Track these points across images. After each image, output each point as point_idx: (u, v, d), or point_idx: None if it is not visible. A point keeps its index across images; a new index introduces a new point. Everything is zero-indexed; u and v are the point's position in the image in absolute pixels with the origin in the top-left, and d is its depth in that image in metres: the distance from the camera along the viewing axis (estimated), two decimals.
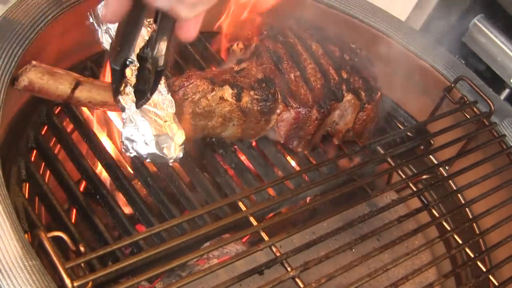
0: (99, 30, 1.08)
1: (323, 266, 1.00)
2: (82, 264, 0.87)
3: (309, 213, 1.24)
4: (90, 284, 0.84)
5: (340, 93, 1.24)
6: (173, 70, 1.31)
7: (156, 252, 0.91)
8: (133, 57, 0.95)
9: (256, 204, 1.09)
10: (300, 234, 1.06)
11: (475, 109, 1.38)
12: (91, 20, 1.07)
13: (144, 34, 1.09)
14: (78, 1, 1.15)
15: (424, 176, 1.38)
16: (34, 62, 0.96)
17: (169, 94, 1.07)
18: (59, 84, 0.98)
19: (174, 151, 1.03)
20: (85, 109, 1.18)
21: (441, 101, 1.43)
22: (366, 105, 1.27)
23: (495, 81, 1.69)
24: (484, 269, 1.13)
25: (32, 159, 1.11)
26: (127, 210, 1.09)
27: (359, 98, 1.26)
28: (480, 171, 1.25)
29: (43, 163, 1.15)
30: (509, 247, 1.19)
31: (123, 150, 1.02)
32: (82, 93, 1.00)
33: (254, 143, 1.25)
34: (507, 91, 1.72)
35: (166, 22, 0.83)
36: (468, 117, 1.36)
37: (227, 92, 1.12)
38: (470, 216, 1.37)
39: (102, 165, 1.12)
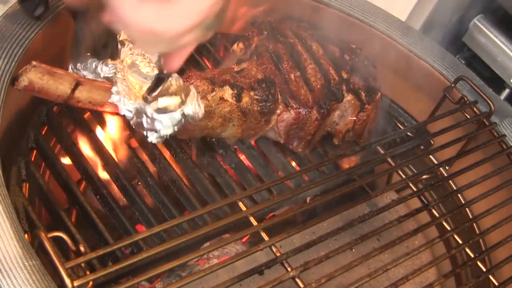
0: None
1: (323, 266, 1.00)
2: (82, 264, 0.87)
3: (309, 213, 1.23)
4: (90, 284, 0.84)
5: (340, 93, 1.24)
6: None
7: (156, 252, 0.91)
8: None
9: (256, 204, 1.09)
10: (300, 234, 1.06)
11: (475, 109, 1.38)
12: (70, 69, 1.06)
13: None
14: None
15: (424, 176, 1.38)
16: (34, 62, 0.95)
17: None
18: (59, 85, 0.97)
19: (194, 107, 1.01)
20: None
21: (441, 101, 1.43)
22: (366, 106, 1.27)
23: (495, 81, 1.70)
24: (484, 269, 1.13)
25: (32, 159, 1.11)
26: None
27: (359, 99, 1.26)
28: (480, 171, 1.25)
29: (43, 163, 1.15)
30: (509, 247, 1.19)
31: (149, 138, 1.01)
32: (82, 94, 1.00)
33: (254, 143, 1.25)
34: (507, 91, 1.72)
35: None
36: (468, 117, 1.36)
37: (227, 93, 1.12)
38: (470, 216, 1.37)
39: (102, 165, 1.12)
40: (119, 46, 1.05)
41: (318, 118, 1.21)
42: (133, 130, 1.09)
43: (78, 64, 1.03)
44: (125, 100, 0.97)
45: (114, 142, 1.20)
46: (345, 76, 1.26)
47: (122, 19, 0.66)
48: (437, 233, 1.34)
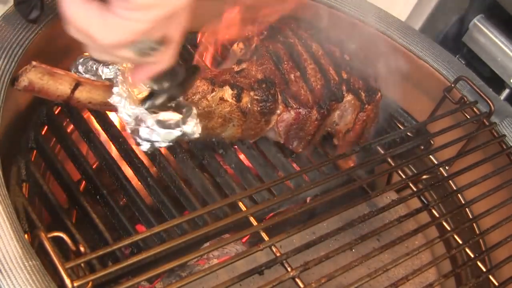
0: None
1: (323, 266, 1.00)
2: (82, 264, 0.87)
3: (309, 213, 1.24)
4: (90, 284, 0.84)
5: (340, 93, 1.24)
6: (184, 63, 1.31)
7: (156, 252, 0.91)
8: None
9: (256, 204, 1.09)
10: (300, 234, 1.06)
11: (475, 109, 1.38)
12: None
13: None
14: None
15: (424, 176, 1.38)
16: (34, 63, 0.96)
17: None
18: (59, 85, 0.97)
19: (192, 127, 1.01)
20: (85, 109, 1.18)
21: (441, 101, 1.43)
22: (366, 106, 1.27)
23: (495, 81, 1.69)
24: (484, 269, 1.13)
25: (32, 159, 1.11)
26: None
27: (359, 99, 1.26)
28: (480, 171, 1.25)
29: (43, 163, 1.15)
30: (509, 247, 1.19)
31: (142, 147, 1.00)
32: (82, 94, 1.00)
33: (254, 143, 1.25)
34: (507, 91, 1.72)
35: None
36: (468, 117, 1.36)
37: (227, 93, 1.12)
38: (470, 216, 1.37)
39: (102, 165, 1.12)
40: None
41: (318, 118, 1.21)
42: None
43: (80, 67, 1.03)
44: (126, 104, 0.96)
45: (114, 141, 1.20)
46: (345, 76, 1.26)
47: (64, 12, 0.67)
48: (437, 233, 1.34)
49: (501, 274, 1.19)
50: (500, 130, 1.37)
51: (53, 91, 0.98)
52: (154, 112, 0.97)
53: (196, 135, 1.02)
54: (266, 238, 0.98)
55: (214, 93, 1.11)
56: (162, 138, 0.98)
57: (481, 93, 1.37)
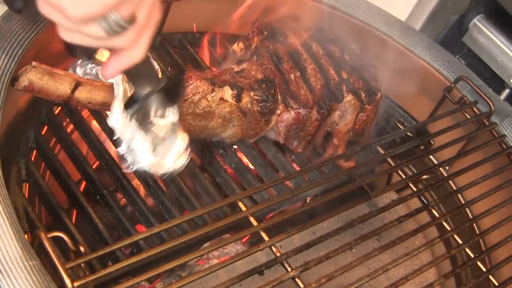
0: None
1: (323, 266, 1.00)
2: (82, 265, 0.87)
3: (309, 213, 1.23)
4: (90, 284, 0.84)
5: (340, 93, 1.24)
6: (172, 70, 1.32)
7: (156, 252, 0.91)
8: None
9: (256, 204, 1.09)
10: (300, 234, 1.06)
11: (475, 109, 1.38)
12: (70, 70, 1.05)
13: None
14: None
15: (424, 176, 1.38)
16: (34, 63, 0.96)
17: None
18: (59, 85, 0.97)
19: (173, 162, 1.01)
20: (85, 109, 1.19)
21: (441, 101, 1.43)
22: (366, 106, 1.27)
23: (495, 81, 1.69)
24: (484, 269, 1.13)
25: (32, 159, 1.11)
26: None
27: (359, 99, 1.26)
28: (480, 171, 1.25)
29: (43, 163, 1.15)
30: (509, 247, 1.19)
31: (123, 166, 1.00)
32: (82, 94, 1.00)
33: (254, 143, 1.25)
34: (507, 91, 1.72)
35: None
36: (468, 117, 1.36)
37: (227, 93, 1.12)
38: (470, 216, 1.37)
39: (102, 165, 1.12)
40: None
41: (318, 118, 1.21)
42: None
43: (78, 68, 1.03)
44: (119, 111, 0.95)
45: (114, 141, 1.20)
46: (345, 76, 1.26)
47: None
48: (437, 233, 1.34)
49: (501, 274, 1.19)
50: (500, 130, 1.37)
51: (53, 91, 0.98)
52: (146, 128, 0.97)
53: (176, 171, 1.02)
54: (266, 238, 0.98)
55: (214, 93, 1.11)
56: (141, 162, 0.98)
57: (481, 93, 1.37)
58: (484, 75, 1.70)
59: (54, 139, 1.19)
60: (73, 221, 1.17)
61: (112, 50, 0.76)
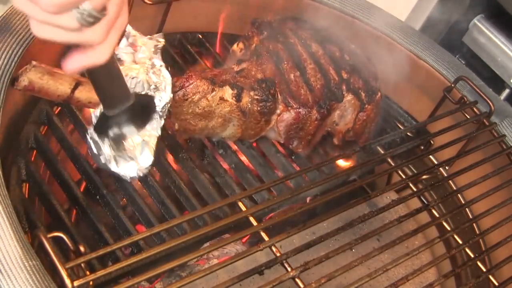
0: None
1: (323, 266, 1.00)
2: (82, 265, 0.87)
3: (309, 213, 1.24)
4: (90, 284, 0.84)
5: (340, 93, 1.24)
6: (172, 70, 1.31)
7: (156, 252, 0.91)
8: None
9: (256, 204, 1.09)
10: (300, 234, 1.06)
11: (475, 109, 1.38)
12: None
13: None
14: None
15: (424, 176, 1.38)
16: (34, 62, 0.96)
17: (162, 119, 1.07)
18: (59, 85, 0.98)
19: (130, 171, 1.04)
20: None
21: (441, 101, 1.43)
22: (366, 106, 1.27)
23: (495, 81, 1.69)
24: (484, 269, 1.13)
25: (32, 159, 1.11)
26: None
27: (359, 99, 1.26)
28: (480, 171, 1.25)
29: (43, 163, 1.14)
30: (509, 247, 1.19)
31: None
32: (82, 94, 1.00)
33: (254, 143, 1.25)
34: (507, 91, 1.72)
35: None
36: (468, 117, 1.36)
37: (227, 93, 1.12)
38: (470, 216, 1.37)
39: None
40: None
41: (318, 118, 1.21)
42: None
43: None
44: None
45: None
46: (345, 76, 1.26)
47: None
48: (437, 233, 1.34)
49: (501, 274, 1.19)
50: (500, 130, 1.37)
51: (53, 91, 0.98)
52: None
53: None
54: (266, 238, 0.98)
55: (214, 93, 1.11)
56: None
57: (481, 93, 1.37)
58: (484, 75, 1.70)
59: (54, 139, 1.19)
60: (73, 221, 1.17)
61: (79, 47, 0.76)
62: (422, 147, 1.43)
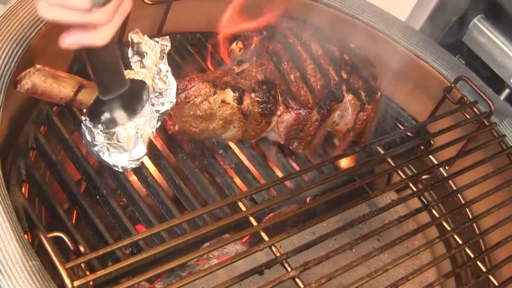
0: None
1: (323, 266, 1.00)
2: (82, 265, 0.87)
3: (309, 213, 1.24)
4: (90, 284, 0.84)
5: (340, 93, 1.24)
6: (173, 70, 1.31)
7: (156, 252, 0.91)
8: None
9: (256, 204, 1.09)
10: (300, 234, 1.06)
11: (475, 109, 1.38)
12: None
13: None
14: None
15: (424, 176, 1.38)
16: (37, 66, 0.96)
17: (159, 122, 1.08)
18: (62, 88, 0.98)
19: (121, 160, 1.04)
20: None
21: (441, 101, 1.43)
22: (366, 106, 1.27)
23: (495, 81, 1.69)
24: (484, 269, 1.13)
25: (32, 159, 1.11)
26: None
27: (359, 99, 1.26)
28: (480, 171, 1.25)
29: (43, 163, 1.15)
30: (509, 247, 1.19)
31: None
32: (85, 96, 1.00)
33: (254, 143, 1.25)
34: (507, 91, 1.72)
35: None
36: (468, 117, 1.36)
37: (229, 95, 1.12)
38: (470, 216, 1.37)
39: (102, 165, 1.12)
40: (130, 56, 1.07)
41: (318, 119, 1.21)
42: None
43: None
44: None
45: None
46: (345, 76, 1.26)
47: None
48: (437, 233, 1.34)
49: (501, 274, 1.19)
50: (500, 130, 1.37)
51: (56, 94, 0.98)
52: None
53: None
54: (266, 238, 0.98)
55: (216, 96, 1.11)
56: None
57: (481, 93, 1.37)
58: (484, 75, 1.70)
59: (54, 139, 1.19)
60: (73, 221, 1.18)
61: (81, 27, 0.76)
62: (422, 147, 1.43)
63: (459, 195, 1.40)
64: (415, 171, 1.47)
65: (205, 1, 1.40)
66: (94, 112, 0.99)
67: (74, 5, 0.72)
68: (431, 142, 1.42)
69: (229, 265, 0.93)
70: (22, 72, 0.96)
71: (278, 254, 0.97)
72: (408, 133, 1.42)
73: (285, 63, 1.22)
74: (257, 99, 1.15)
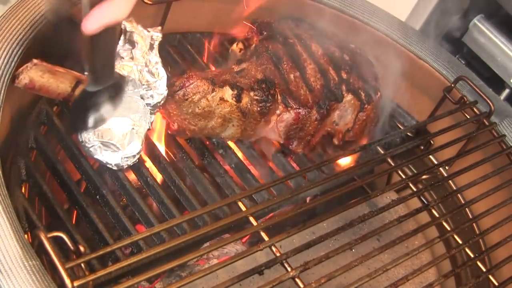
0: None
1: (323, 266, 1.00)
2: (82, 265, 0.87)
3: (309, 213, 1.24)
4: (90, 284, 0.84)
5: (339, 93, 1.24)
6: (173, 70, 1.32)
7: (156, 252, 0.91)
8: None
9: (256, 204, 1.09)
10: (300, 234, 1.06)
11: (475, 109, 1.38)
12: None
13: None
14: (79, 1, 1.15)
15: (424, 176, 1.38)
16: (35, 61, 0.96)
17: (152, 115, 1.09)
18: (59, 83, 0.98)
19: (115, 158, 1.04)
20: None
21: (441, 101, 1.43)
22: (366, 106, 1.27)
23: (495, 81, 1.69)
24: (484, 269, 1.13)
25: (32, 159, 1.11)
26: None
27: (359, 99, 1.26)
28: (480, 171, 1.25)
29: (43, 163, 1.14)
30: (509, 247, 1.19)
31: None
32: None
33: (254, 143, 1.25)
34: (507, 91, 1.72)
35: None
36: (468, 117, 1.36)
37: (227, 93, 1.12)
38: (470, 216, 1.37)
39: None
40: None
41: (318, 118, 1.21)
42: None
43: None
44: None
45: None
46: (344, 76, 1.26)
47: None
48: (437, 233, 1.34)
49: (501, 274, 1.19)
50: (500, 130, 1.37)
51: (54, 89, 0.98)
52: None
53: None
54: (266, 238, 0.98)
55: (214, 93, 1.11)
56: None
57: (481, 93, 1.37)
58: (484, 75, 1.70)
59: (54, 139, 1.19)
60: (73, 221, 1.17)
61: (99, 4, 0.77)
62: (422, 147, 1.43)
63: (459, 195, 1.40)
64: (415, 171, 1.47)
65: (205, 1, 1.40)
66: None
67: None
68: (431, 142, 1.42)
69: (229, 265, 0.93)
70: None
71: (278, 254, 0.97)
72: (408, 133, 1.42)
73: (285, 62, 1.22)
74: (256, 97, 1.15)
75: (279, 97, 1.18)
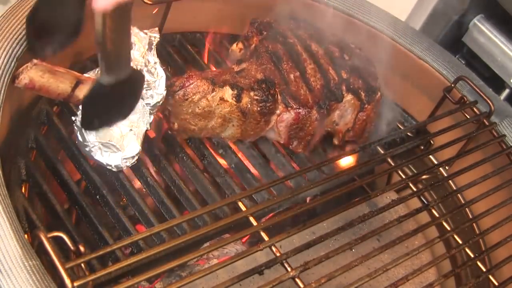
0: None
1: (323, 266, 1.00)
2: (82, 265, 0.87)
3: (309, 213, 1.24)
4: (90, 284, 0.84)
5: (339, 93, 1.24)
6: (173, 70, 1.32)
7: (156, 252, 0.91)
8: None
9: (256, 204, 1.09)
10: (300, 234, 1.06)
11: (475, 109, 1.38)
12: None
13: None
14: None
15: (424, 176, 1.38)
16: (35, 61, 0.96)
17: (151, 116, 1.09)
18: (59, 83, 0.98)
19: (115, 160, 1.04)
20: None
21: (441, 101, 1.43)
22: (366, 105, 1.27)
23: (495, 81, 1.70)
24: (484, 269, 1.13)
25: (32, 159, 1.11)
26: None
27: (359, 98, 1.26)
28: (480, 171, 1.25)
29: (43, 163, 1.15)
30: (509, 247, 1.19)
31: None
32: (82, 92, 1.00)
33: (254, 143, 1.25)
34: (507, 91, 1.72)
35: None
36: (468, 117, 1.36)
37: (227, 93, 1.12)
38: (470, 216, 1.37)
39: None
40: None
41: (318, 118, 1.21)
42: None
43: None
44: None
45: None
46: (344, 76, 1.26)
47: None
48: (437, 233, 1.34)
49: (501, 274, 1.19)
50: (500, 130, 1.37)
51: (53, 89, 0.98)
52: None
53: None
54: (266, 238, 0.98)
55: (214, 93, 1.12)
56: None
57: (481, 93, 1.37)
58: (484, 75, 1.71)
59: (54, 139, 1.19)
60: (73, 221, 1.17)
61: None
62: (422, 147, 1.43)
63: (459, 195, 1.40)
64: (415, 171, 1.47)
65: (205, 1, 1.40)
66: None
67: None
68: (431, 142, 1.42)
69: (229, 265, 0.93)
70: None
71: (278, 254, 0.96)
72: (408, 133, 1.42)
73: (285, 62, 1.22)
74: (256, 97, 1.15)
75: (279, 97, 1.18)
